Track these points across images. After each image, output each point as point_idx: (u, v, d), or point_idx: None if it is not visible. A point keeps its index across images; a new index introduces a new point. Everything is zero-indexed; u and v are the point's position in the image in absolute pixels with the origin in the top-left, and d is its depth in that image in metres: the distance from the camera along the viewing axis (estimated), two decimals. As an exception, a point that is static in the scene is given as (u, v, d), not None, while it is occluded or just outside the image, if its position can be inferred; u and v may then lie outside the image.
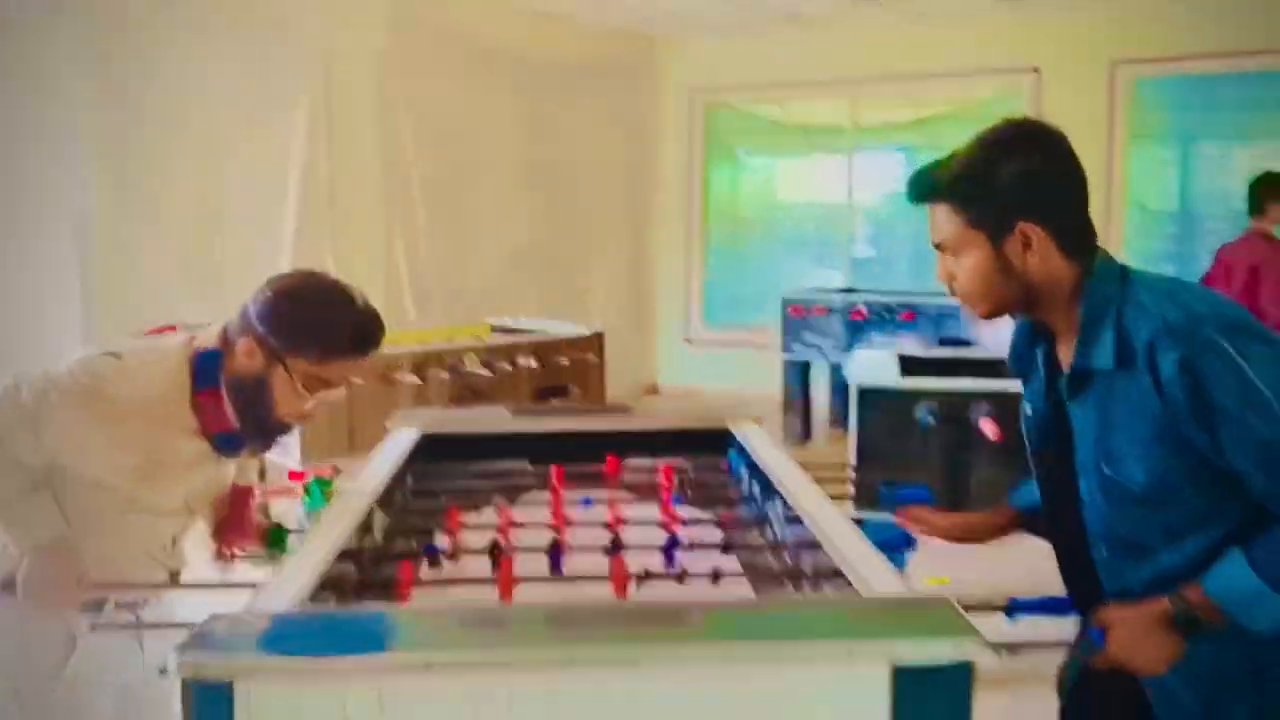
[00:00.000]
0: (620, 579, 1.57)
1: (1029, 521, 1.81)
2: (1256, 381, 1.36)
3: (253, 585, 1.42)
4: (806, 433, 6.58)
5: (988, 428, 2.90)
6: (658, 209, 8.52)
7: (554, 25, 7.34)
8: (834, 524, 1.63)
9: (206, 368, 1.79)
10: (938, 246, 1.60)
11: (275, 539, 1.96)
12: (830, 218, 8.42)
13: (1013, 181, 1.49)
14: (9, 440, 1.71)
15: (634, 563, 1.67)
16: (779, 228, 8.86)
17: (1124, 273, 1.53)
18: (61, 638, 1.81)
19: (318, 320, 1.76)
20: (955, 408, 3.02)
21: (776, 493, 1.87)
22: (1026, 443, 1.70)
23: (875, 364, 3.36)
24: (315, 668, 0.99)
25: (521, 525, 1.87)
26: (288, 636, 1.11)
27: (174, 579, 1.95)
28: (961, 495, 3.04)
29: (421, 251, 6.52)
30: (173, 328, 1.91)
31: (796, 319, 6.33)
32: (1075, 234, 1.53)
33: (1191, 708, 1.50)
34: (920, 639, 1.12)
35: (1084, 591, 1.59)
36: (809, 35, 7.73)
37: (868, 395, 3.03)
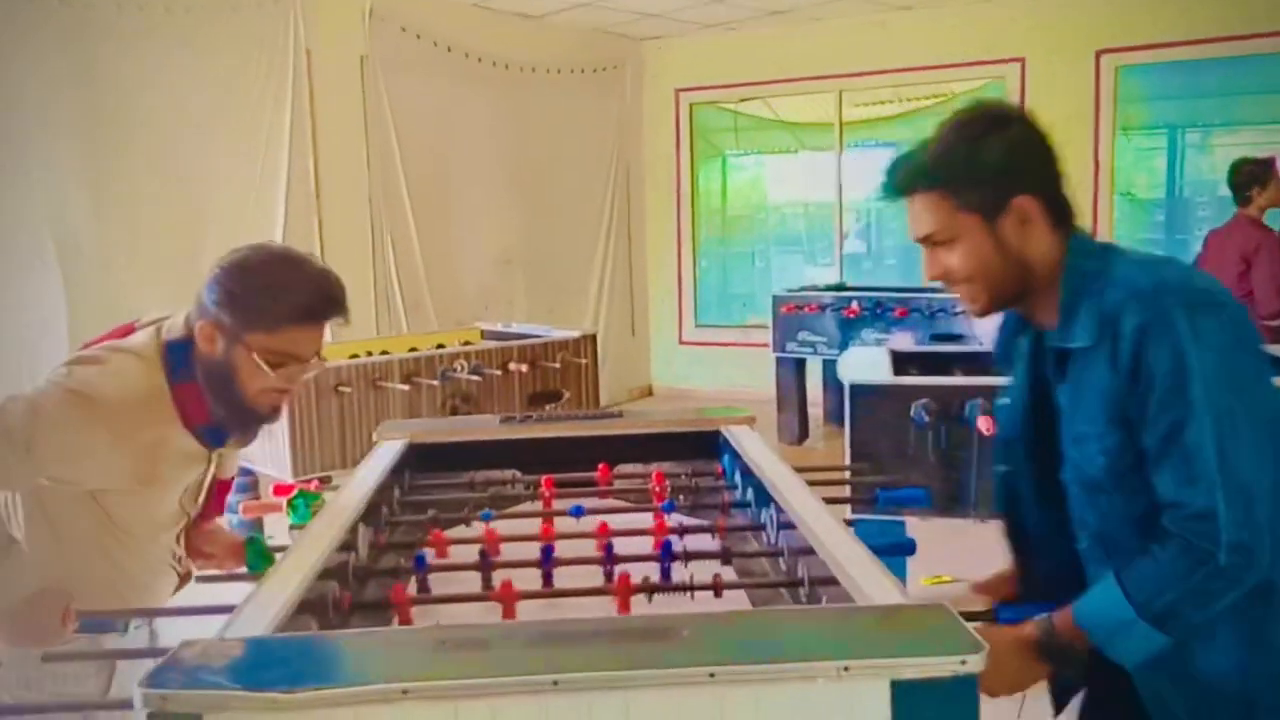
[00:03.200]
0: (621, 592, 1.53)
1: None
2: (1194, 362, 1.29)
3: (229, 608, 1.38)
4: (803, 431, 6.54)
5: (984, 424, 2.86)
6: (646, 209, 8.49)
7: (538, 27, 7.30)
8: (830, 529, 1.58)
9: (178, 359, 1.73)
10: (924, 240, 1.52)
11: (256, 557, 1.90)
12: (819, 215, 8.40)
13: (1001, 156, 1.44)
14: None
15: (627, 574, 1.62)
16: (768, 226, 8.83)
17: (1105, 249, 1.48)
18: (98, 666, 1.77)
19: (266, 289, 1.68)
20: (950, 404, 2.98)
21: (771, 497, 1.82)
22: (997, 438, 1.67)
23: (868, 361, 3.32)
24: (288, 702, 0.95)
25: (512, 538, 1.82)
26: (260, 666, 1.06)
27: (184, 582, 1.92)
28: (958, 493, 3.00)
29: (411, 256, 6.47)
30: (131, 326, 1.85)
31: (789, 317, 6.29)
32: (1061, 204, 1.48)
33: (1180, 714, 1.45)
34: (922, 654, 1.07)
35: (1067, 589, 1.51)
36: (793, 31, 7.70)
37: (860, 393, 2.98)
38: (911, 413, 2.97)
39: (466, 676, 1.03)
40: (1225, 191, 5.40)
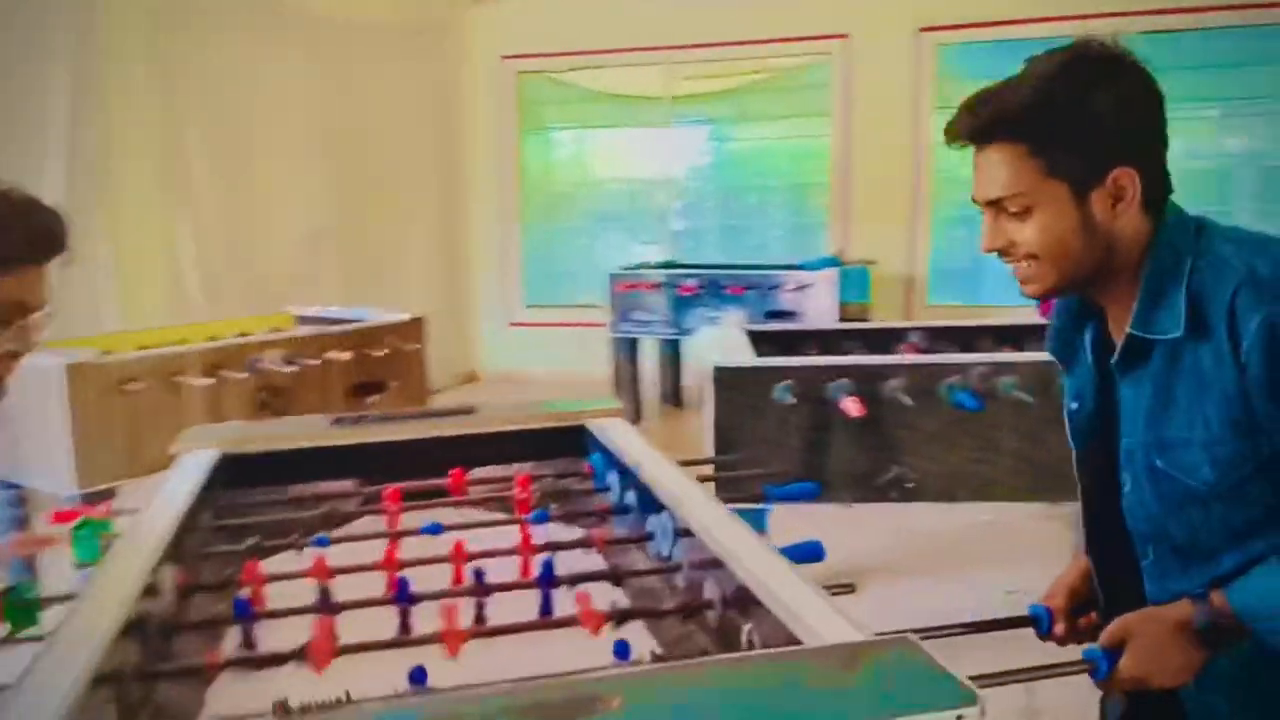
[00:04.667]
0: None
1: None
2: None
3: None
4: (638, 413, 6.38)
5: (849, 405, 2.74)
6: (470, 183, 8.09)
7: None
8: (738, 537, 1.37)
9: None
10: (992, 204, 1.26)
11: (17, 613, 1.48)
12: (645, 191, 8.26)
13: (1112, 115, 1.19)
14: None
15: (505, 608, 1.36)
16: (594, 202, 8.62)
17: (1200, 225, 1.25)
18: None
19: None
20: (813, 385, 2.85)
21: (659, 501, 1.60)
22: (1071, 444, 1.42)
23: (725, 342, 3.16)
24: None
25: (354, 568, 1.52)
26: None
27: None
28: (822, 475, 2.88)
29: (208, 232, 5.85)
30: None
31: (624, 295, 6.10)
32: (1161, 180, 1.25)
33: None
34: (911, 711, 0.87)
35: (1125, 605, 1.33)
36: (621, 2, 7.48)
37: (724, 375, 2.81)
38: (775, 394, 2.82)
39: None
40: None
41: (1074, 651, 1.33)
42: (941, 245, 7.33)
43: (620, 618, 1.34)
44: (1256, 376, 1.15)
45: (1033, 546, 4.00)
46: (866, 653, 1.02)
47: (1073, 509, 1.45)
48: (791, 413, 2.86)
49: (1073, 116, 1.20)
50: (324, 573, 1.46)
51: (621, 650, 1.27)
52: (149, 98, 5.48)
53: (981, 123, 1.24)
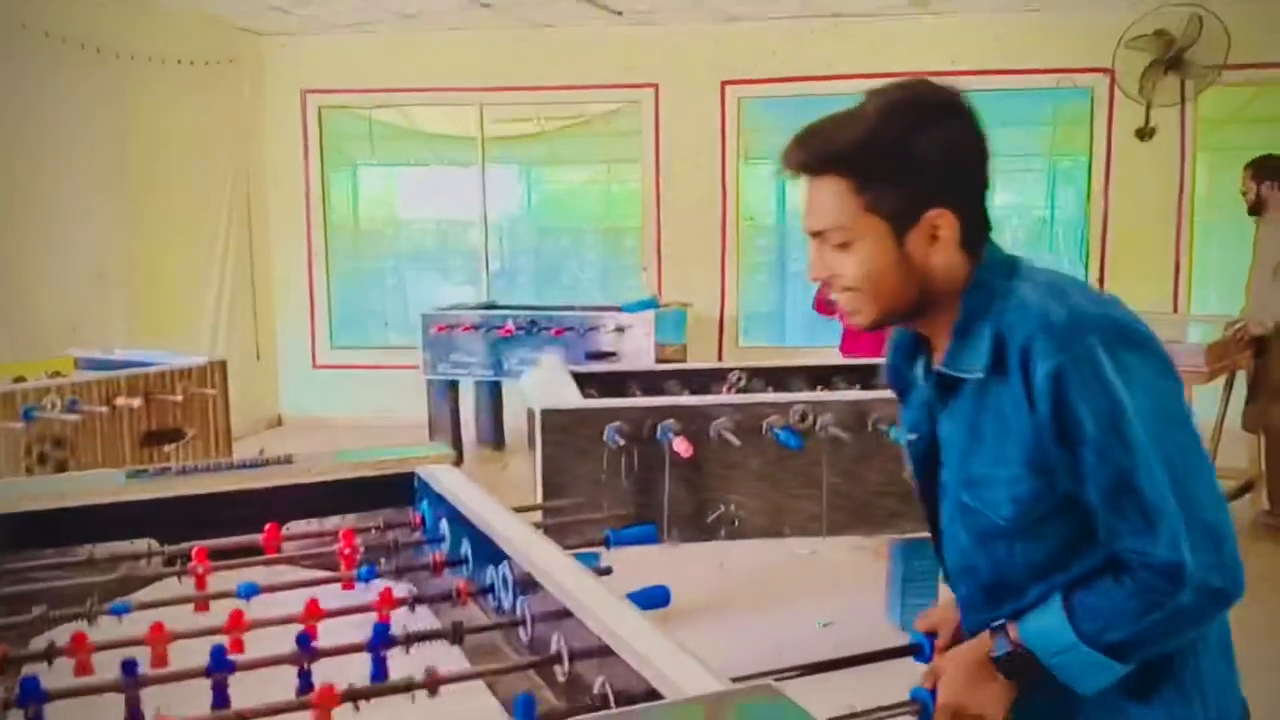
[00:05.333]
0: (323, 702, 1.16)
1: None
2: (1128, 404, 1.14)
3: None
4: (459, 456, 6.22)
5: (680, 445, 2.75)
6: (271, 220, 7.72)
7: (140, 8, 6.36)
8: (584, 586, 1.33)
9: None
10: (816, 234, 1.28)
11: None
12: (458, 231, 8.14)
13: (932, 157, 1.21)
14: None
15: (336, 675, 1.25)
16: (405, 241, 8.42)
17: (1014, 265, 1.28)
18: None
19: None
20: (641, 426, 2.84)
21: (499, 551, 1.53)
22: (913, 475, 1.43)
23: (551, 384, 3.12)
24: None
25: (166, 638, 1.36)
26: None
27: None
28: (652, 515, 2.87)
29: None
30: None
31: (440, 337, 5.95)
32: (980, 223, 1.28)
33: None
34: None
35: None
36: (431, 39, 7.38)
37: (552, 418, 2.76)
38: (604, 436, 2.79)
39: None
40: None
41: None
42: (750, 288, 7.58)
43: (448, 681, 1.25)
44: (1044, 422, 1.19)
45: (847, 578, 4.14)
46: (729, 702, 0.99)
47: (885, 540, 1.50)
48: (620, 454, 2.84)
49: (895, 156, 1.22)
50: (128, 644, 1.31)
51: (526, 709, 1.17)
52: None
53: (809, 156, 1.26)
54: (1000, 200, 7.72)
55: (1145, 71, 6.80)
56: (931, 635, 1.47)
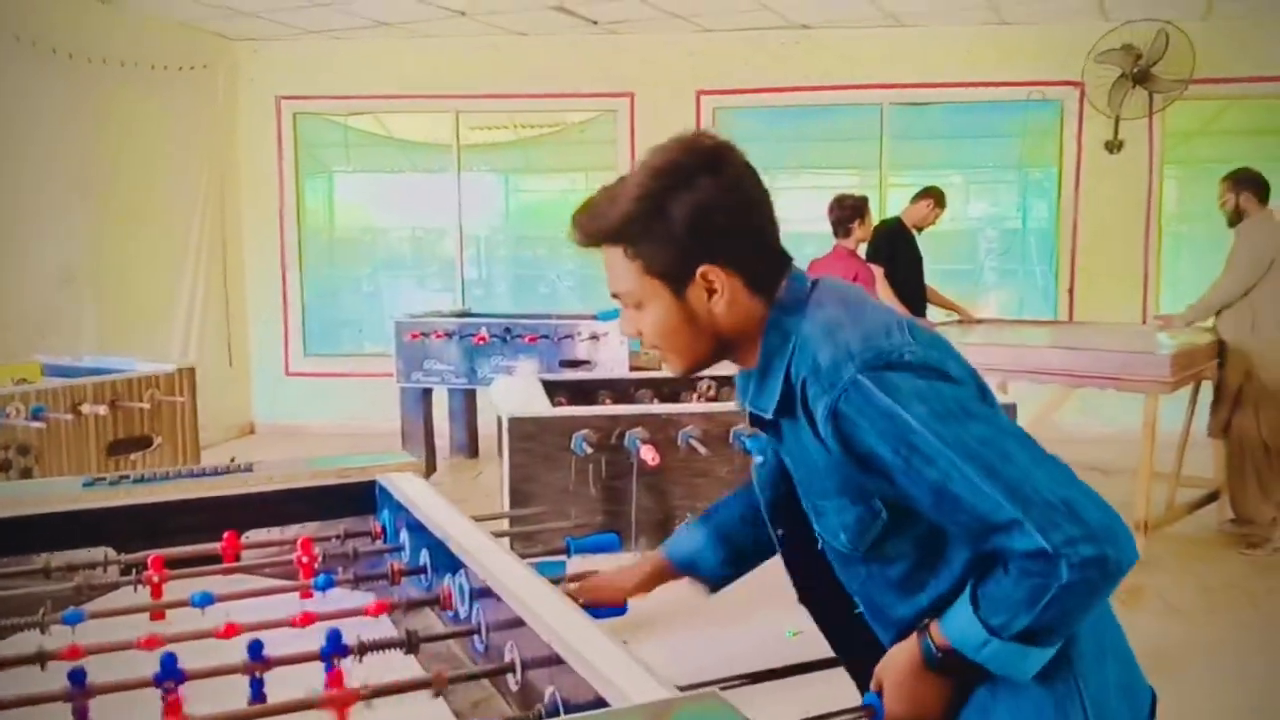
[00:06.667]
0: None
1: (682, 572, 1.68)
2: (908, 420, 1.17)
3: None
4: (431, 464, 6.20)
5: (647, 454, 2.76)
6: (244, 226, 7.68)
7: (113, 12, 6.32)
8: (538, 595, 1.33)
9: None
10: (615, 296, 1.35)
11: None
12: (429, 239, 8.13)
13: (686, 221, 1.25)
14: None
15: (288, 683, 1.25)
16: (376, 249, 8.40)
17: (806, 299, 1.31)
18: None
19: None
20: (610, 434, 2.85)
21: (456, 560, 1.53)
22: (760, 498, 1.48)
23: (521, 392, 3.12)
24: None
25: (109, 647, 1.36)
26: None
27: None
28: (620, 524, 2.87)
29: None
30: None
31: (414, 344, 5.93)
32: (763, 267, 1.32)
33: None
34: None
35: (856, 649, 1.40)
36: (406, 45, 7.39)
37: (520, 426, 2.76)
38: (572, 444, 2.79)
39: None
40: (809, 228, 5.96)
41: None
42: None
43: (383, 693, 1.25)
44: (841, 458, 1.23)
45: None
46: (671, 710, 1.00)
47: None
48: (588, 462, 2.84)
49: (653, 223, 1.27)
50: (75, 653, 1.30)
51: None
52: None
53: (584, 234, 1.33)
54: (974, 211, 7.88)
55: (1114, 85, 6.89)
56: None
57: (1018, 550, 1.14)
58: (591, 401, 3.52)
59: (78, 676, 1.23)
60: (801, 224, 6.62)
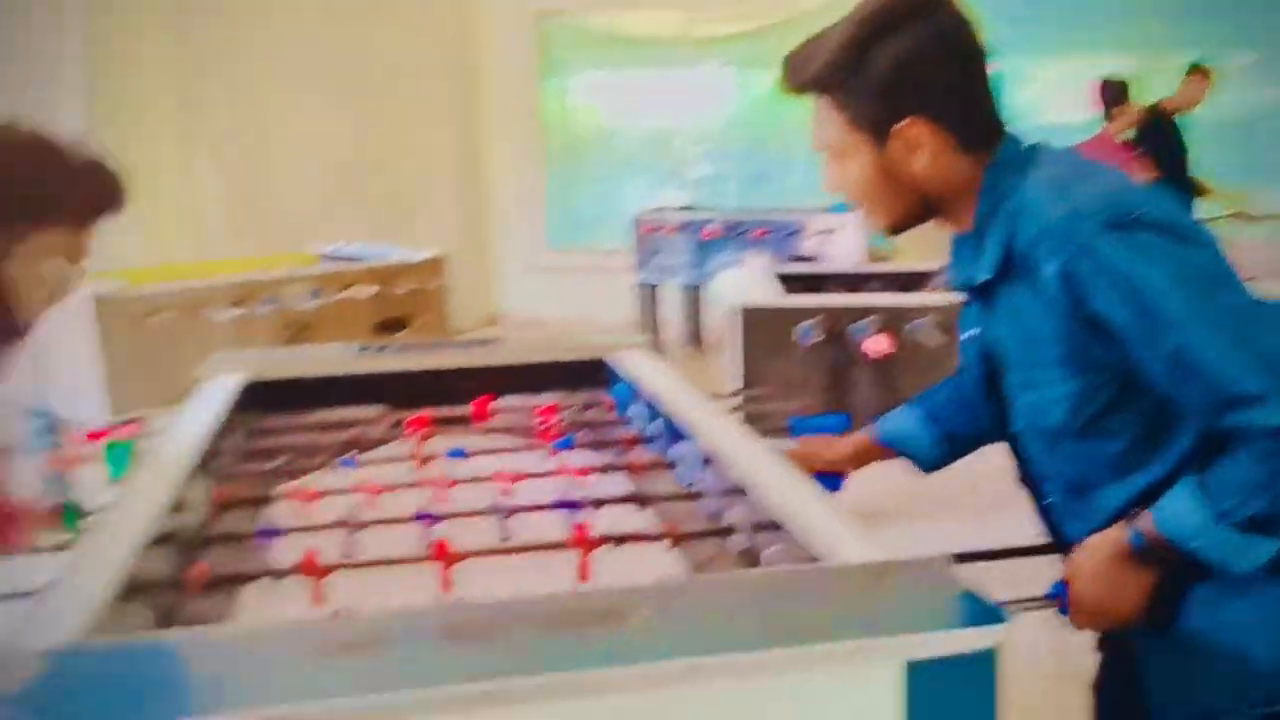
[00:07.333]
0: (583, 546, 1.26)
1: (893, 449, 1.64)
2: (1153, 283, 1.10)
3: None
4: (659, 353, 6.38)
5: (870, 346, 2.73)
6: (489, 125, 8.02)
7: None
8: (761, 465, 1.37)
9: None
10: (821, 150, 1.32)
11: (73, 521, 1.52)
12: (666, 135, 8.16)
13: (890, 69, 1.21)
14: None
15: (533, 528, 1.37)
16: (614, 146, 8.53)
17: (1028, 159, 1.24)
18: None
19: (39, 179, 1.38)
20: (838, 325, 2.83)
21: (682, 430, 1.60)
22: (974, 373, 1.42)
23: (752, 282, 3.14)
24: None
25: (386, 487, 1.53)
26: (62, 695, 0.75)
27: None
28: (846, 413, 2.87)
29: (229, 170, 5.84)
30: None
31: (647, 238, 6.05)
32: (974, 125, 1.25)
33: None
34: (937, 627, 0.87)
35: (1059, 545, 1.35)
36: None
37: (753, 315, 2.80)
38: (800, 334, 2.81)
39: (365, 691, 0.76)
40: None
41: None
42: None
43: (621, 540, 1.33)
44: (1071, 323, 1.16)
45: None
46: (894, 571, 1.02)
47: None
48: (816, 352, 2.84)
49: (859, 72, 1.22)
50: (360, 489, 1.48)
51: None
52: (165, 34, 5.45)
53: (792, 82, 1.29)
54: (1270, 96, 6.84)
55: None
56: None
57: (1259, 427, 1.07)
58: (823, 293, 3.50)
59: (351, 513, 1.41)
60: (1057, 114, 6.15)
